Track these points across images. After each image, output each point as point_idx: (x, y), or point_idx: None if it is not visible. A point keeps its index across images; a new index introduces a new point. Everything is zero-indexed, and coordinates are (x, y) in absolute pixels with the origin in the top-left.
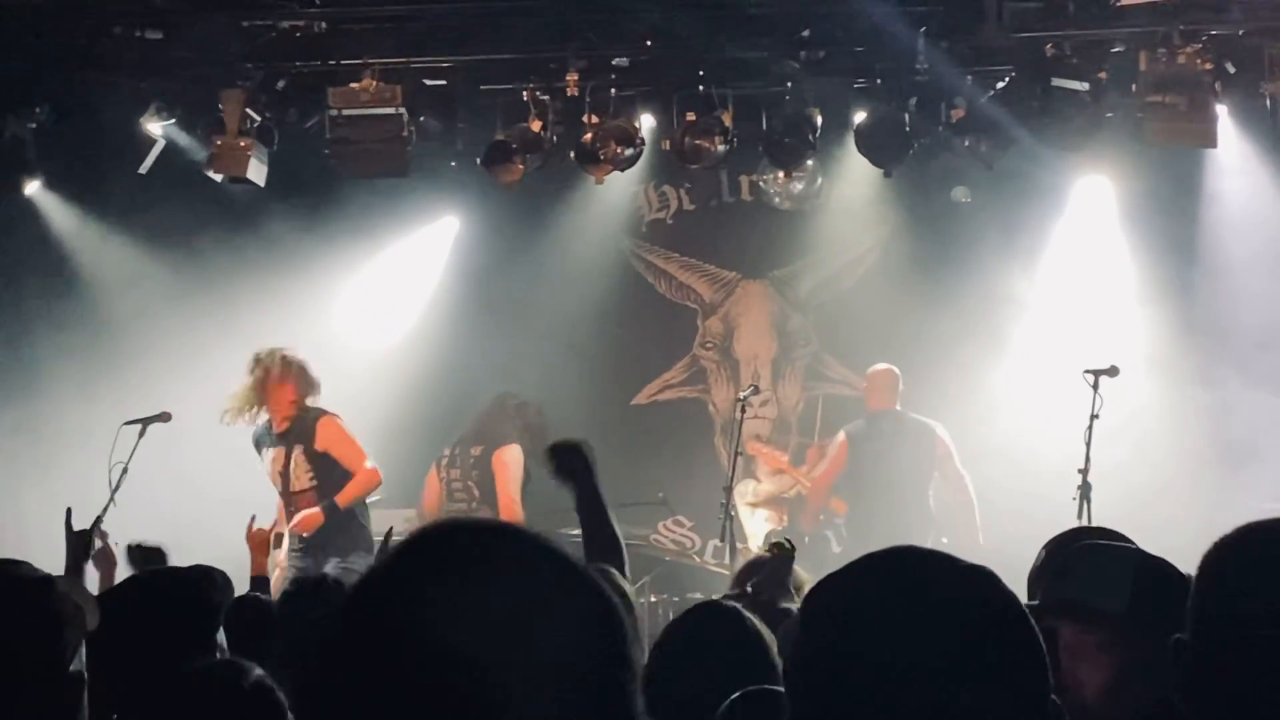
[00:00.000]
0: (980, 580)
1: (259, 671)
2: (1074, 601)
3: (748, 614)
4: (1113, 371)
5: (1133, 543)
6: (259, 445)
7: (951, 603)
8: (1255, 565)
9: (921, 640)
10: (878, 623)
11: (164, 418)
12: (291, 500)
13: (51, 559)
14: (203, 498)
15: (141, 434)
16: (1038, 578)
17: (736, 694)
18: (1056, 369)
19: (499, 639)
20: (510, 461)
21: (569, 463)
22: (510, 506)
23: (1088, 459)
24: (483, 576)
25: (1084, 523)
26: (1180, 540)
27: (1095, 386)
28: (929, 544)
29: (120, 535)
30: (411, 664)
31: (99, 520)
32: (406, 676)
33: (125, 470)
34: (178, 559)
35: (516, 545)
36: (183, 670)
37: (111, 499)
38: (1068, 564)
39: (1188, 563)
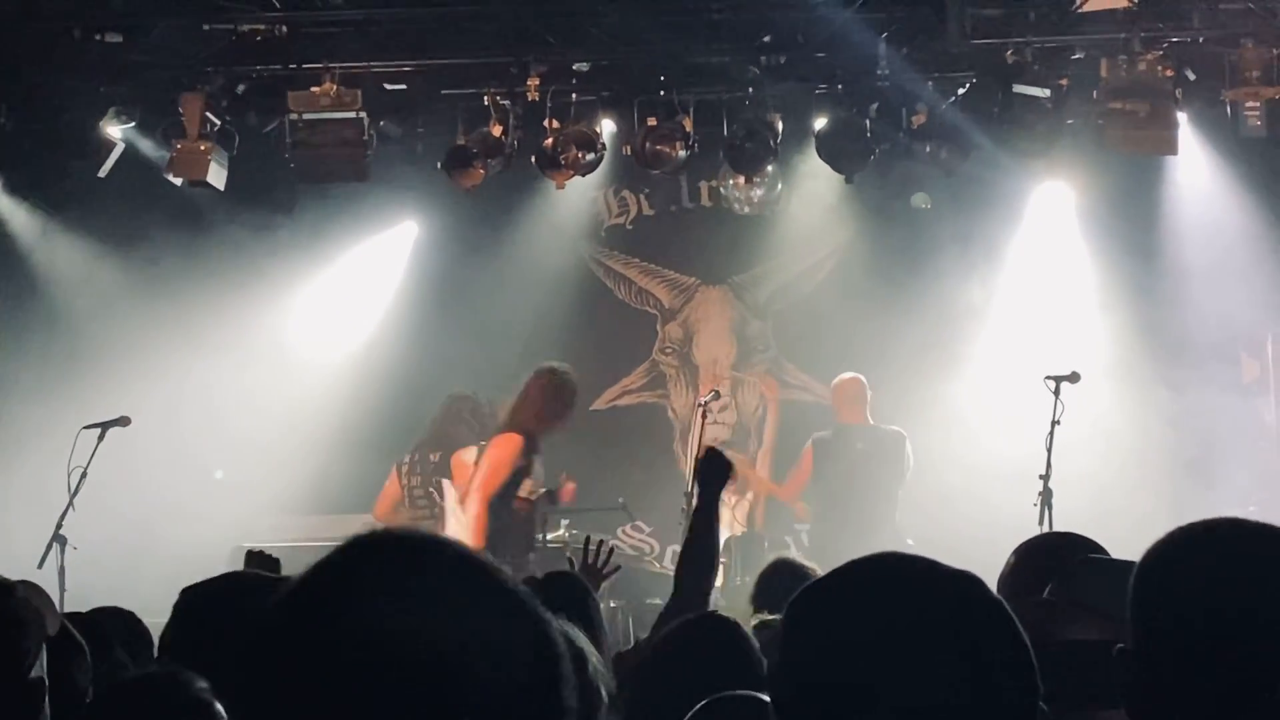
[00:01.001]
0: (965, 584)
1: (201, 684)
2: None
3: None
4: (1074, 377)
5: (1102, 547)
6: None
7: (937, 607)
8: (1191, 570)
9: (907, 645)
10: (863, 629)
11: (123, 422)
12: None
13: (8, 559)
14: (159, 500)
15: (101, 438)
16: (1008, 583)
17: (702, 702)
18: (1017, 375)
19: (422, 650)
20: (467, 462)
21: (715, 474)
22: (475, 496)
23: (1049, 464)
24: (411, 587)
25: (1046, 528)
26: (1141, 544)
27: (1056, 392)
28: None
29: (78, 539)
30: (331, 669)
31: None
32: (323, 682)
33: (84, 475)
34: (133, 562)
35: (447, 559)
36: (122, 681)
37: (70, 503)
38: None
39: None
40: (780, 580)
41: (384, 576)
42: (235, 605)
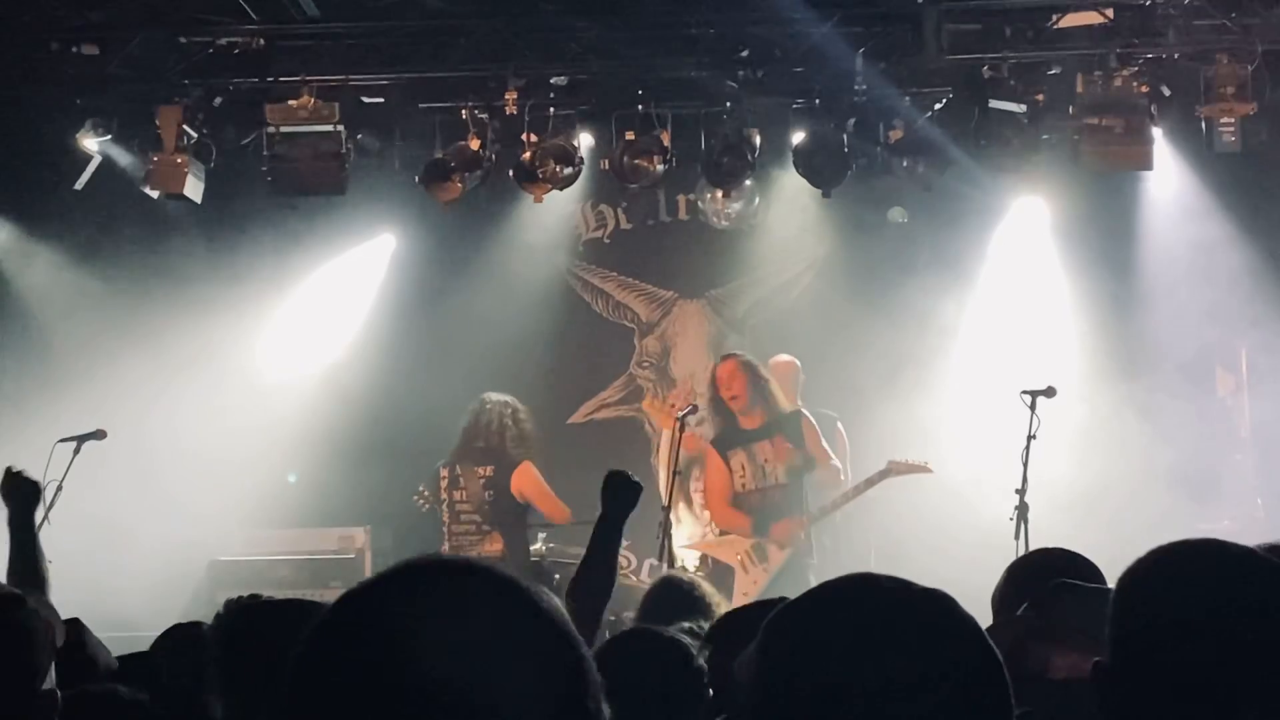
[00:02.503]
0: (938, 604)
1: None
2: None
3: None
4: (1050, 392)
5: (1094, 565)
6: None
7: (910, 627)
8: (1168, 588)
9: (881, 666)
10: (837, 650)
11: (98, 435)
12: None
13: None
14: (135, 514)
15: (76, 451)
16: (999, 600)
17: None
18: (993, 389)
19: (463, 677)
20: (537, 477)
21: (619, 494)
22: (562, 513)
23: (1025, 479)
24: (455, 615)
25: (1022, 542)
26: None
27: (1032, 407)
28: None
29: (53, 552)
30: (371, 693)
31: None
32: (363, 705)
33: (59, 488)
34: (109, 576)
35: (492, 588)
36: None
37: (45, 516)
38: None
39: None
40: (667, 595)
41: (423, 603)
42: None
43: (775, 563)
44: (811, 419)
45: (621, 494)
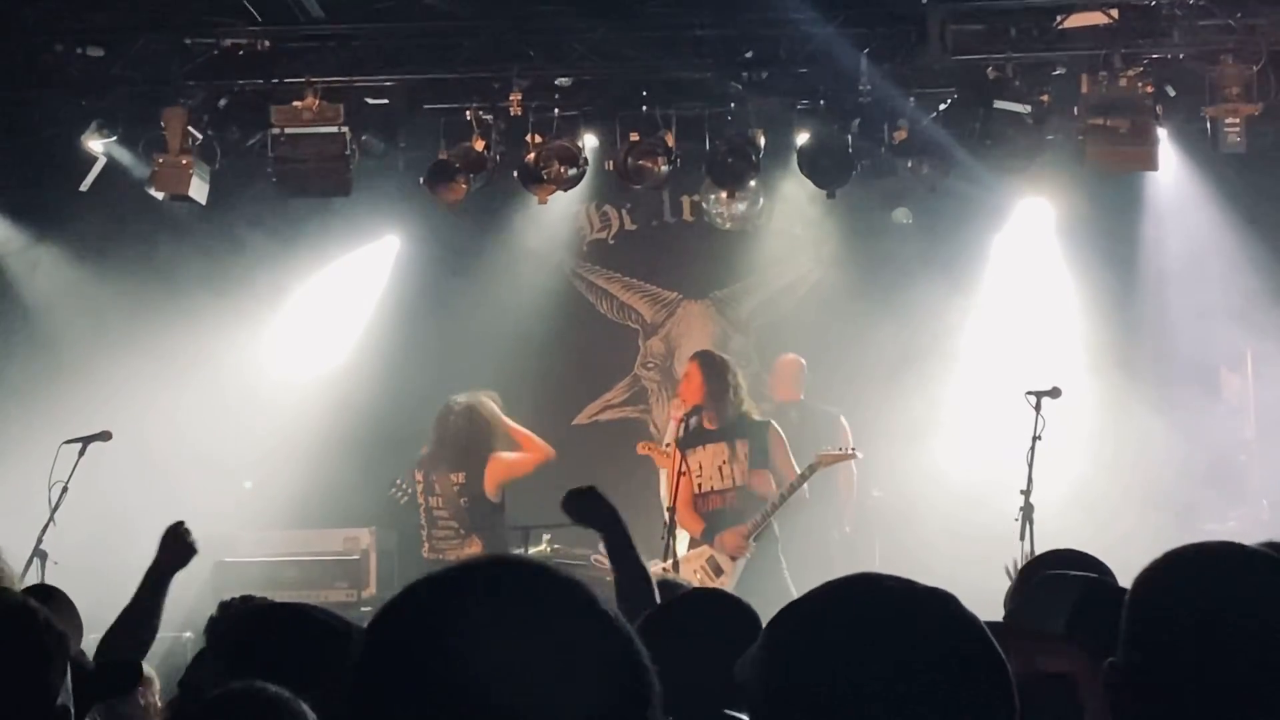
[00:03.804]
0: (942, 603)
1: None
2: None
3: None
4: (1054, 393)
5: (1104, 565)
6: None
7: (914, 626)
8: (1186, 589)
9: (885, 665)
10: (840, 649)
11: (104, 436)
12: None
13: None
14: (140, 515)
15: (81, 453)
16: (1010, 600)
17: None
18: (998, 390)
19: (524, 678)
20: (502, 459)
21: (591, 512)
22: (535, 444)
23: (1030, 480)
24: (515, 616)
25: (1026, 543)
26: (1123, 559)
27: (1037, 408)
28: (832, 530)
29: (59, 554)
30: (430, 694)
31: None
32: (423, 706)
33: (65, 489)
34: (114, 577)
35: (549, 587)
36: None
37: (51, 518)
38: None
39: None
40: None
41: (478, 604)
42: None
43: (730, 574)
44: (780, 432)
45: (584, 510)
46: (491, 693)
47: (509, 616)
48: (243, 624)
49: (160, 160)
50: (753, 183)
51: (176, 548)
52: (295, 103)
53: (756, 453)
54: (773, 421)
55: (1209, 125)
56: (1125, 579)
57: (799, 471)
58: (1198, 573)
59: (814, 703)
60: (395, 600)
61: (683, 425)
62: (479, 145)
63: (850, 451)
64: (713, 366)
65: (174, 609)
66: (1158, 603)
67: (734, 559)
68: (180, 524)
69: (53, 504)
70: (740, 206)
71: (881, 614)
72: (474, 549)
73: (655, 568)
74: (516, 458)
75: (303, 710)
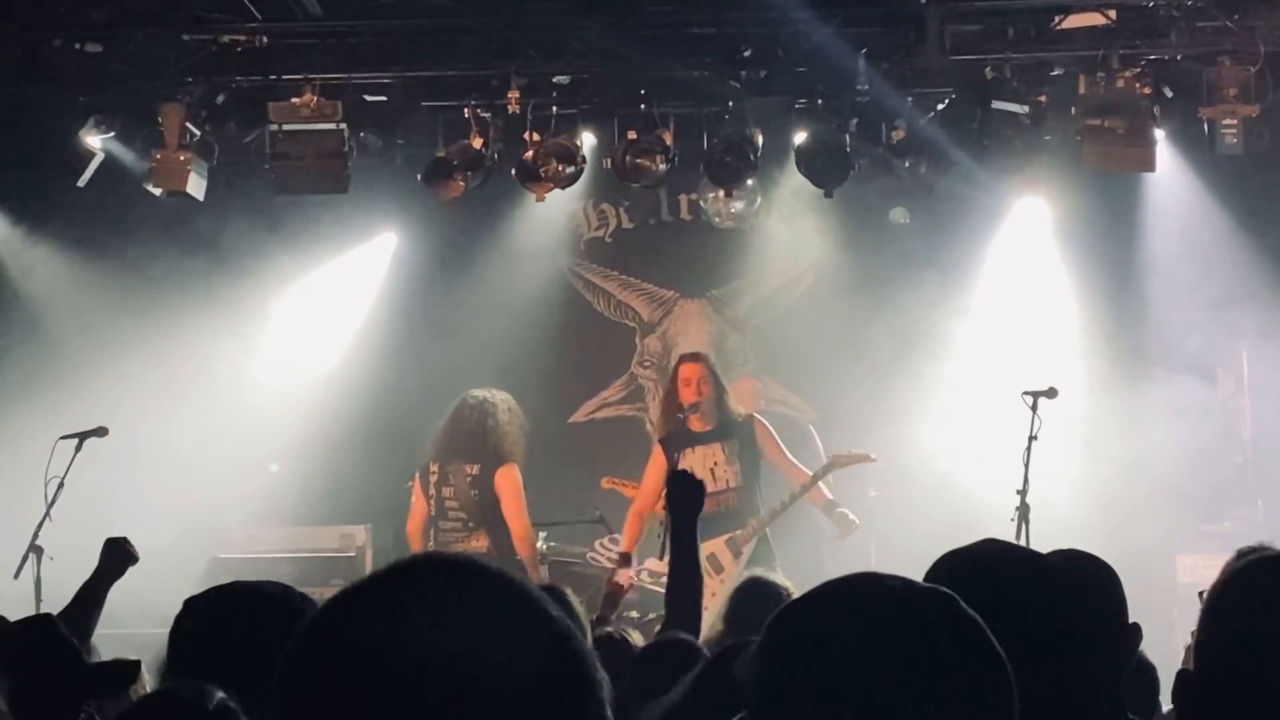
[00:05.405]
0: (942, 603)
1: (220, 695)
2: None
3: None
4: (1051, 393)
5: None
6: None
7: (912, 625)
8: (1258, 601)
9: (884, 664)
10: (839, 648)
11: (100, 432)
12: None
13: None
14: (136, 511)
15: (78, 448)
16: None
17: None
18: (994, 390)
19: (459, 677)
20: (516, 483)
21: (685, 502)
22: (525, 533)
23: (1026, 480)
24: (449, 613)
25: (1022, 543)
26: (1118, 559)
27: (1034, 408)
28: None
29: (54, 549)
30: (364, 692)
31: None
32: (356, 704)
33: (61, 485)
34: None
35: (487, 585)
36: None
37: (47, 514)
38: None
39: (1138, 580)
40: (752, 598)
41: (420, 600)
42: (240, 618)
43: (731, 571)
44: (765, 422)
45: (682, 495)
46: (425, 686)
47: (439, 610)
48: (202, 606)
49: (158, 156)
50: (750, 182)
51: (117, 558)
52: (293, 99)
53: (745, 448)
54: (755, 414)
55: (1206, 126)
56: (1124, 578)
57: (798, 465)
58: (1271, 584)
59: (814, 702)
60: (330, 600)
61: (683, 420)
62: (477, 143)
63: (866, 455)
64: (716, 373)
65: (168, 606)
66: (1229, 613)
67: (737, 556)
68: (123, 538)
69: (49, 499)
70: (738, 205)
71: (882, 613)
72: (480, 544)
73: (656, 567)
74: (515, 503)
75: (226, 710)
